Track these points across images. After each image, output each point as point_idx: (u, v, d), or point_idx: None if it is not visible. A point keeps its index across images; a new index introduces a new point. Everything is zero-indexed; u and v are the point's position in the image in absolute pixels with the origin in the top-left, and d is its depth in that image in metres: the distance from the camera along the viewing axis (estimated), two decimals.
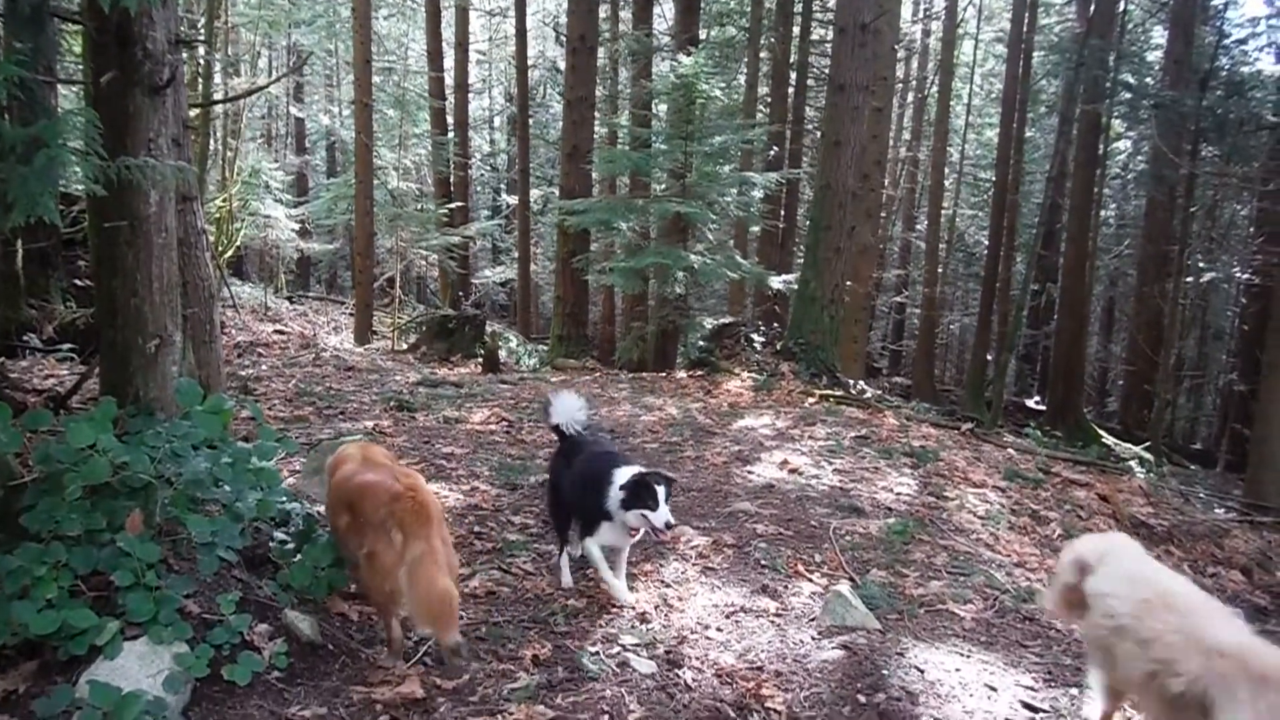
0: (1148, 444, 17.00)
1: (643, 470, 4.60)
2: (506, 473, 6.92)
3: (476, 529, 5.77)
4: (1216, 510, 10.17)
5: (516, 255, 27.02)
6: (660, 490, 4.48)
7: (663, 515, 4.47)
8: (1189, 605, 3.30)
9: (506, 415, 9.11)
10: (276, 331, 15.76)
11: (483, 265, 32.57)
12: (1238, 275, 20.61)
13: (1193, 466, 18.80)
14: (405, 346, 17.81)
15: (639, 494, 4.49)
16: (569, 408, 5.42)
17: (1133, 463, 12.90)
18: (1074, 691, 4.20)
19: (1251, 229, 21.95)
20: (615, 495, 4.53)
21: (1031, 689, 4.21)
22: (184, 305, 4.73)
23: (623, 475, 4.57)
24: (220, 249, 16.02)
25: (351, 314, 21.58)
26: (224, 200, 17.54)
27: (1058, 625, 5.17)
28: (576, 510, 4.97)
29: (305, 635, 4.02)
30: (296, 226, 23.46)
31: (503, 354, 17.52)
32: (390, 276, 22.19)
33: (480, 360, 15.73)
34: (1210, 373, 28.65)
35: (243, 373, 10.49)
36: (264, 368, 11.47)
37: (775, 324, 16.21)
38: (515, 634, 4.42)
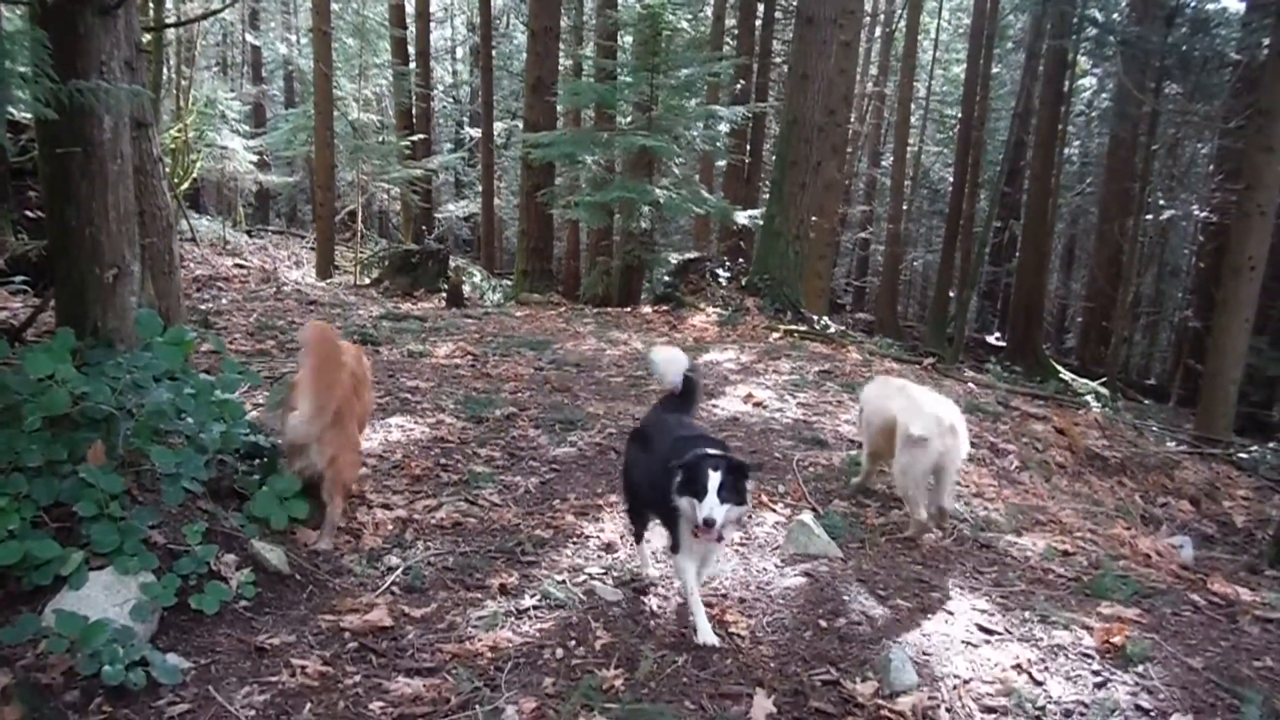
0: (1104, 379, 17.33)
1: (705, 452, 3.75)
2: (472, 406, 6.92)
3: (442, 461, 5.78)
4: (1168, 443, 10.40)
5: (480, 189, 26.67)
6: (712, 477, 3.60)
7: (708, 506, 3.58)
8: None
9: (471, 349, 9.08)
10: (236, 265, 15.50)
11: (446, 199, 32.14)
12: (1196, 213, 20.83)
13: (1147, 401, 19.15)
14: (368, 281, 17.63)
15: (691, 476, 3.69)
16: (673, 361, 4.55)
17: (1089, 397, 13.13)
18: (1027, 615, 4.32)
19: (1211, 167, 22.14)
20: (675, 479, 3.75)
21: (987, 613, 4.32)
22: (141, 235, 4.64)
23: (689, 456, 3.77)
24: (176, 180, 15.67)
25: (312, 248, 21.28)
26: (179, 130, 17.11)
27: (1013, 554, 5.31)
28: (652, 504, 4.16)
29: (273, 565, 4.04)
30: (254, 158, 22.92)
31: (467, 289, 17.41)
32: (352, 210, 21.85)
33: (444, 295, 15.62)
34: (1166, 310, 29.09)
35: (203, 306, 10.35)
36: (224, 302, 11.31)
37: (740, 259, 16.21)
38: (482, 564, 4.47)
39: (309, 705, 3.23)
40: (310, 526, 4.48)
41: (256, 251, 19.66)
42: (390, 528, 4.74)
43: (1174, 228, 25.60)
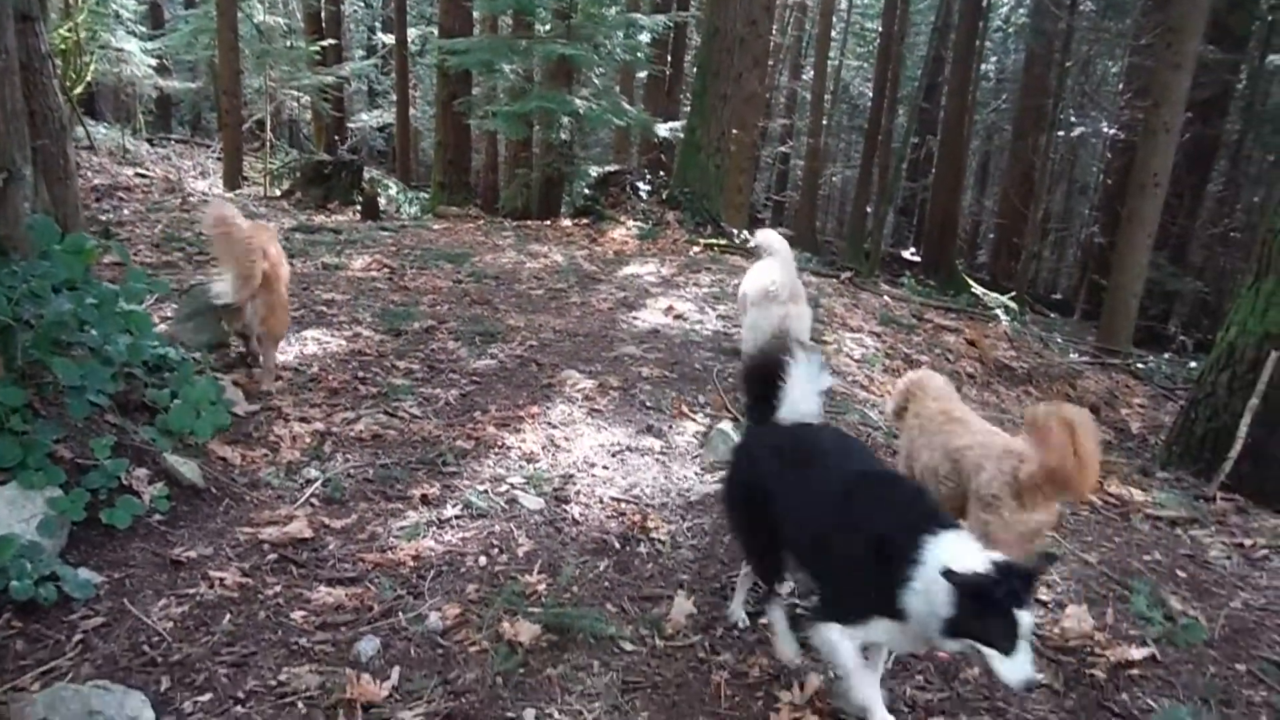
0: (1013, 293, 17.77)
1: (1003, 564, 2.49)
2: (390, 319, 6.81)
3: (360, 374, 5.70)
4: (1072, 354, 10.77)
5: (394, 98, 25.82)
6: (1023, 620, 2.44)
7: (1021, 668, 2.45)
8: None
9: (388, 262, 8.90)
10: (138, 175, 14.84)
11: (358, 108, 31.10)
12: (1106, 130, 21.23)
13: (1053, 315, 19.74)
14: (279, 193, 17.05)
15: (988, 611, 2.44)
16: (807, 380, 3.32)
17: (999, 311, 13.49)
18: None
19: (1121, 85, 22.53)
20: (937, 593, 2.47)
21: None
22: (32, 137, 4.38)
23: (955, 556, 2.50)
24: (69, 84, 14.83)
25: (219, 158, 20.42)
26: (69, 30, 16.11)
27: None
28: (813, 565, 3.09)
29: (187, 479, 3.96)
30: (153, 62, 21.71)
31: (382, 201, 17.00)
32: (260, 119, 20.97)
33: (358, 207, 15.22)
34: (1074, 227, 29.82)
35: (103, 217, 9.92)
36: (126, 212, 10.85)
37: (661, 172, 16.09)
38: (403, 475, 4.45)
39: (229, 616, 3.21)
40: (223, 439, 4.41)
41: (159, 161, 18.81)
42: (308, 441, 4.68)
43: (1084, 145, 26.15)
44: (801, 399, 3.27)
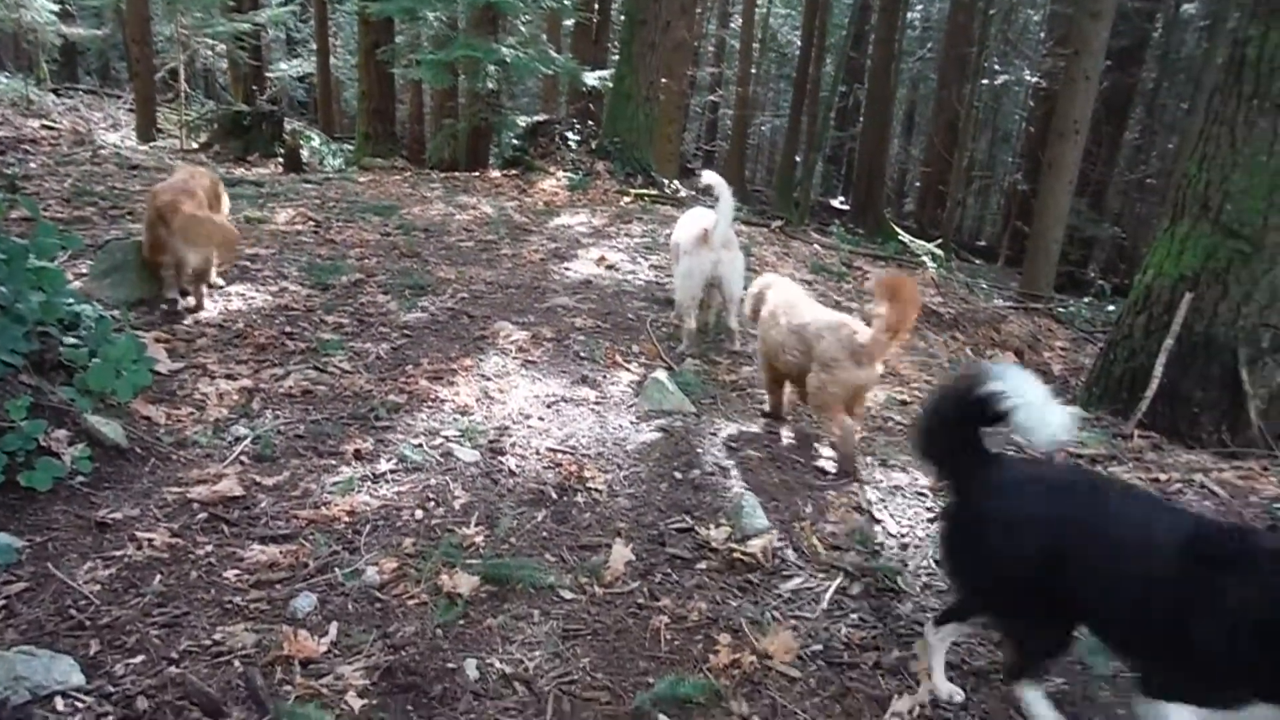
0: (939, 240, 18.06)
1: None
2: (317, 273, 6.67)
3: (288, 329, 5.58)
4: (996, 300, 11.01)
5: (314, 47, 25.10)
6: None
7: None
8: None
9: (313, 215, 8.69)
10: (44, 127, 14.21)
11: (277, 58, 30.08)
12: (1028, 78, 21.57)
13: (978, 261, 20.15)
14: (196, 145, 16.52)
15: None
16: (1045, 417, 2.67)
17: (926, 258, 13.71)
18: (868, 460, 4.57)
19: (1042, 33, 22.86)
20: None
21: (831, 459, 4.55)
22: None
23: None
24: None
25: (131, 109, 19.70)
26: None
27: None
28: (1139, 639, 2.53)
29: (110, 440, 3.85)
30: (56, 8, 20.76)
31: (305, 153, 16.56)
32: (172, 68, 20.18)
33: (280, 160, 14.81)
34: (997, 174, 30.36)
35: (8, 171, 9.50)
36: (33, 166, 10.40)
37: (590, 122, 15.90)
38: (335, 430, 4.38)
39: (159, 577, 3.15)
40: (145, 398, 4.30)
41: (66, 112, 18.06)
42: (236, 398, 4.58)
43: (1007, 93, 26.54)
44: (1040, 422, 2.64)
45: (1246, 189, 5.90)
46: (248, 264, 6.73)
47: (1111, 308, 11.79)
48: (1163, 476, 5.01)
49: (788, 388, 5.03)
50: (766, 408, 5.16)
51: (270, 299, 6.06)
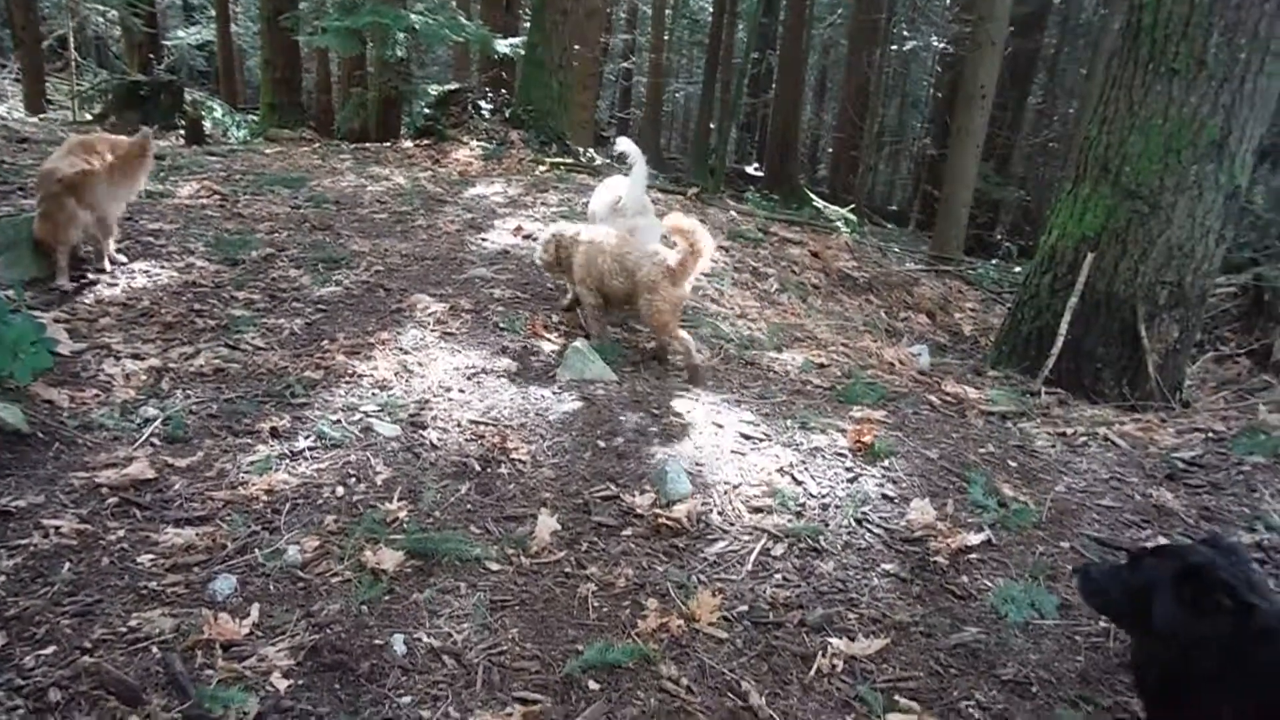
0: (852, 206, 18.33)
1: None
2: (225, 248, 6.47)
3: (196, 306, 5.41)
4: (909, 263, 11.23)
5: (213, 14, 24.20)
6: None
7: None
8: None
9: (219, 189, 8.41)
10: None
11: (174, 25, 28.97)
12: (935, 44, 21.90)
13: (890, 225, 20.50)
14: (90, 117, 15.81)
15: None
16: None
17: (840, 223, 13.89)
18: (788, 423, 4.64)
19: (949, 0, 23.21)
20: None
21: (752, 423, 4.60)
22: None
23: None
24: None
25: (18, 79, 18.80)
26: None
27: (775, 368, 5.65)
28: None
29: (9, 425, 3.71)
30: None
31: (207, 125, 15.98)
32: (61, 36, 19.31)
33: (181, 132, 14.28)
34: (907, 140, 30.81)
35: None
36: None
37: (503, 90, 15.67)
38: (250, 408, 4.28)
39: (68, 565, 3.05)
40: (46, 380, 4.14)
41: None
42: (144, 378, 4.43)
43: (915, 59, 26.91)
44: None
45: (1144, 151, 6.11)
46: (151, 239, 6.49)
47: (1018, 269, 12.13)
48: (1069, 430, 5.20)
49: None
50: (593, 340, 5.51)
51: (176, 275, 5.87)
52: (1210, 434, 5.19)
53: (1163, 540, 3.83)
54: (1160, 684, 2.20)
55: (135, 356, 4.64)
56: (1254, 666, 2.01)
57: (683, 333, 5.24)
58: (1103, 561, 2.34)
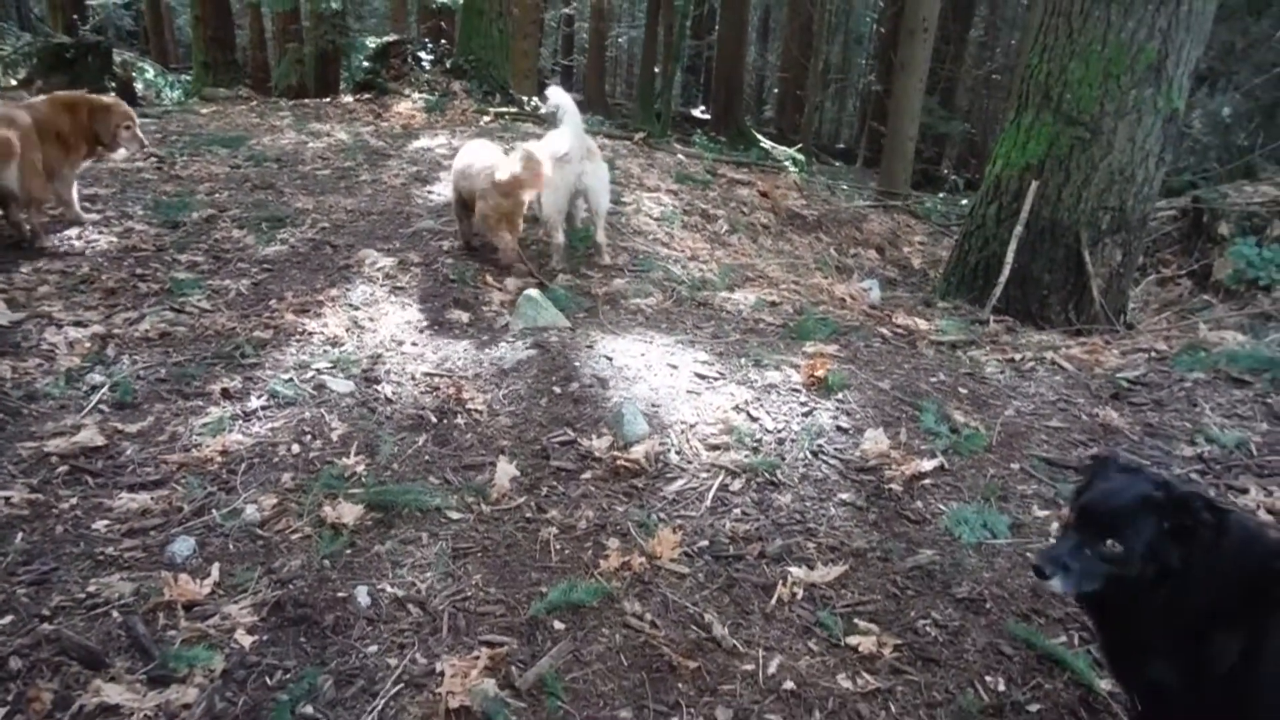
0: (800, 145, 18.31)
1: None
2: (165, 210, 6.33)
3: (138, 271, 5.30)
4: (857, 200, 11.26)
5: None
6: None
7: None
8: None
9: (155, 150, 8.20)
10: None
11: None
12: None
13: (838, 163, 20.54)
14: (15, 83, 15.28)
15: None
16: None
17: (787, 163, 13.88)
18: (742, 361, 4.67)
19: None
20: None
21: (707, 363, 4.63)
22: None
23: None
24: None
25: None
26: None
27: (728, 308, 5.67)
28: None
29: None
30: None
31: (139, 86, 15.55)
32: None
33: (112, 94, 13.89)
34: (852, 77, 30.77)
35: None
36: None
37: (443, 41, 15.39)
38: (200, 371, 4.22)
39: (21, 535, 3.01)
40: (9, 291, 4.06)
41: None
42: (88, 345, 4.35)
43: None
44: None
45: (1084, 78, 6.15)
46: (87, 204, 6.33)
47: (965, 201, 12.23)
48: (1017, 356, 5.30)
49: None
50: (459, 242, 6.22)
51: (116, 240, 5.74)
52: (1153, 353, 5.32)
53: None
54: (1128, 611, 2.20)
55: (78, 324, 4.54)
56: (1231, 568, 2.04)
57: (505, 234, 5.71)
58: (1047, 551, 2.21)
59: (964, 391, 4.59)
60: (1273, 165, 9.11)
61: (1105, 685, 2.64)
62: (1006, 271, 6.45)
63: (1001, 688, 2.71)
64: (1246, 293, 6.98)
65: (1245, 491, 3.65)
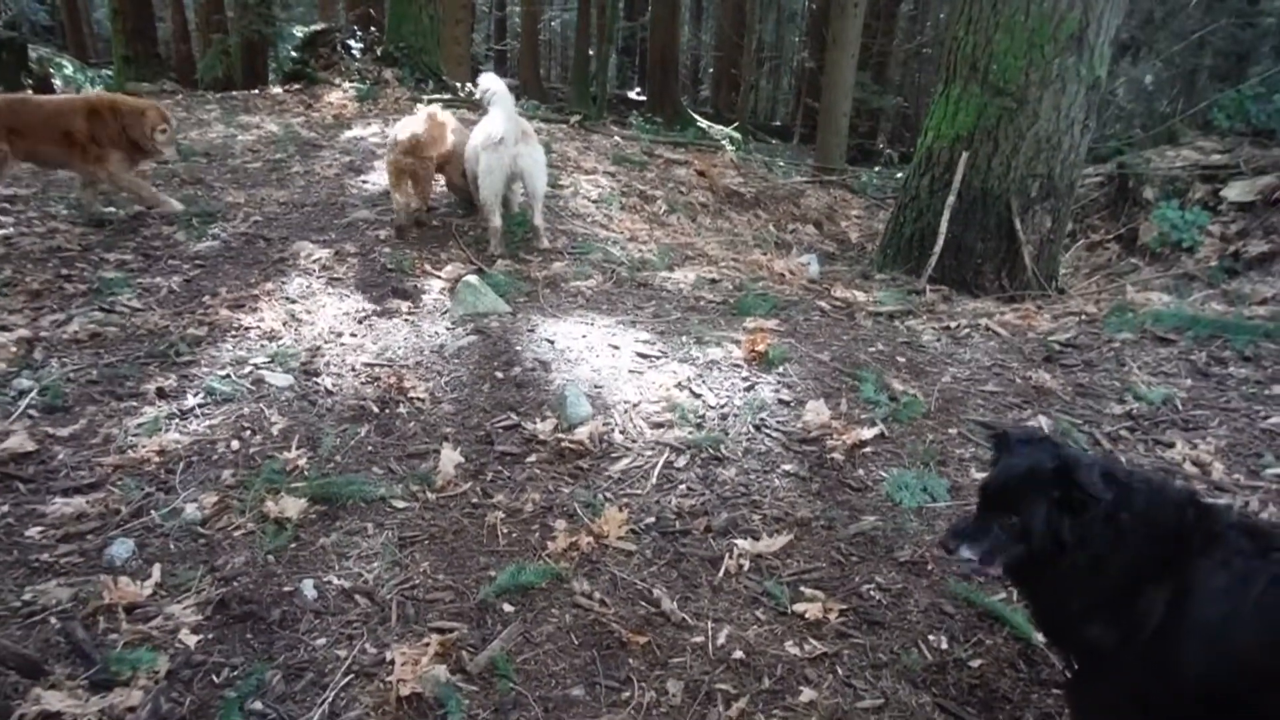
0: (736, 124, 18.38)
1: None
2: (90, 208, 6.18)
3: (64, 272, 5.18)
4: (794, 176, 11.34)
5: None
6: None
7: None
8: None
9: None
10: None
11: None
12: None
13: (774, 141, 20.60)
14: None
15: None
16: None
17: (724, 142, 13.94)
18: (684, 339, 4.70)
19: None
20: None
21: (649, 342, 4.65)
22: None
23: None
24: None
25: None
26: None
27: (668, 288, 5.69)
28: None
29: None
30: None
31: (57, 82, 15.17)
32: None
33: (29, 91, 13.50)
34: (786, 54, 30.90)
35: None
36: None
37: (373, 29, 15.15)
38: (132, 371, 4.14)
39: None
40: None
41: None
42: (14, 350, 4.24)
43: None
44: None
45: (1008, 48, 6.25)
46: (6, 205, 6.16)
47: (900, 174, 12.36)
48: (953, 324, 5.39)
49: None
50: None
51: (39, 241, 5.59)
52: (1083, 316, 5.45)
53: (1040, 421, 4.04)
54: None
55: (2, 328, 4.42)
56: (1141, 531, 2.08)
57: (399, 196, 6.06)
58: (952, 528, 2.27)
59: (902, 360, 4.67)
60: (1194, 130, 9.35)
61: (1042, 638, 2.71)
62: (941, 242, 6.55)
63: (944, 645, 2.78)
64: (1171, 255, 7.18)
65: (1172, 445, 3.77)
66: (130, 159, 5.96)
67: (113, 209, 6.23)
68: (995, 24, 6.31)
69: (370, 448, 3.69)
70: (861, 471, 3.63)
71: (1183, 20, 11.69)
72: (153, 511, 3.19)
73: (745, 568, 3.08)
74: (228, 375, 4.13)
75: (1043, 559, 2.10)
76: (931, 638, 2.81)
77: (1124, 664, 2.06)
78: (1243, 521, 2.11)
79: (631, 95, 27.32)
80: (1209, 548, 1.99)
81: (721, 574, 3.05)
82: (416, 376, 4.23)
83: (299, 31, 14.78)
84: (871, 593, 2.99)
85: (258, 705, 2.44)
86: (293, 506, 3.21)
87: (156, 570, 2.89)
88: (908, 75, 26.09)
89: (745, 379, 4.30)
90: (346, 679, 2.55)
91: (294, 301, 5.00)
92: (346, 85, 11.99)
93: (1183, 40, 11.21)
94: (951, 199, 6.54)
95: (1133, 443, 3.87)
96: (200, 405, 3.90)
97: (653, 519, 3.31)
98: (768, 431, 3.88)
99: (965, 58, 6.52)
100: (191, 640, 2.62)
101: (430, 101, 11.22)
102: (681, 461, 3.66)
